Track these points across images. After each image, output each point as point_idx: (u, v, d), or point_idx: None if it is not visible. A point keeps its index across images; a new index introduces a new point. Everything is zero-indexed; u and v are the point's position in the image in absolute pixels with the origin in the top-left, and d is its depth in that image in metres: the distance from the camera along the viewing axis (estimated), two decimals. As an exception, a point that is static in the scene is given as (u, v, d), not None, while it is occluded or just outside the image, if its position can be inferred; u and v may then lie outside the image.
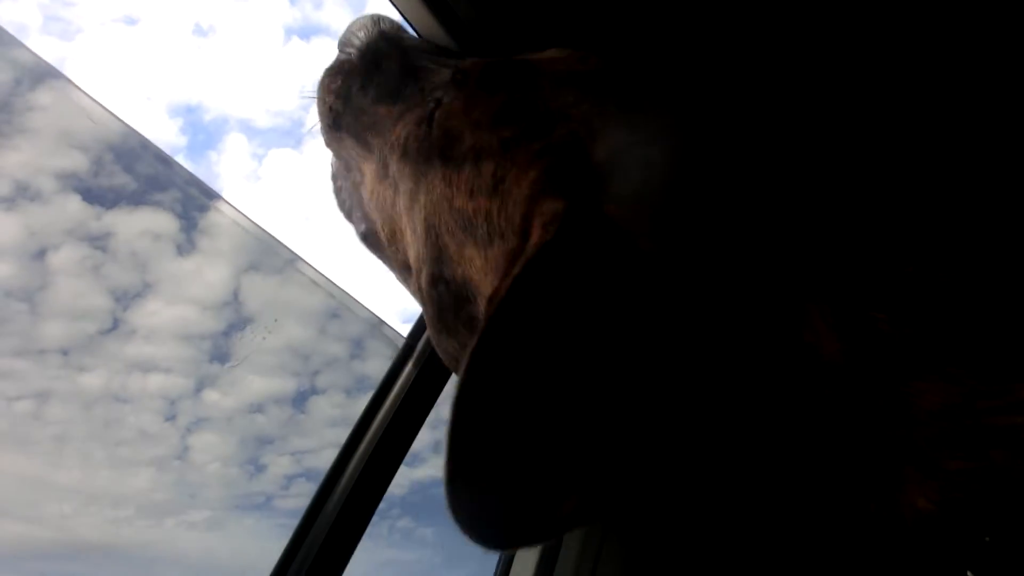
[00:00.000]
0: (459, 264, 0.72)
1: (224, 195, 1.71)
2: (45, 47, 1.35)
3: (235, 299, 1.90)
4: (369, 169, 0.92)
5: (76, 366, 1.55)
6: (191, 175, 1.74)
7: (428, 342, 1.56)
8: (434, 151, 0.78)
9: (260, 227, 1.73)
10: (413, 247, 0.79)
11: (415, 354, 1.59)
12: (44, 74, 1.35)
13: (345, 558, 1.41)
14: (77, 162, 1.45)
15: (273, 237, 1.77)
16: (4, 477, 1.38)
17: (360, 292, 1.97)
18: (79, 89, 1.38)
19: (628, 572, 2.02)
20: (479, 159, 0.72)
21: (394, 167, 0.83)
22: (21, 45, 1.37)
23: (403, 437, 1.53)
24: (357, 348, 2.20)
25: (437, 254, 0.74)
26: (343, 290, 1.99)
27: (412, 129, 0.82)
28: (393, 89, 0.91)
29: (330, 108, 0.99)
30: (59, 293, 1.48)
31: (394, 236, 0.85)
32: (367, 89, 0.94)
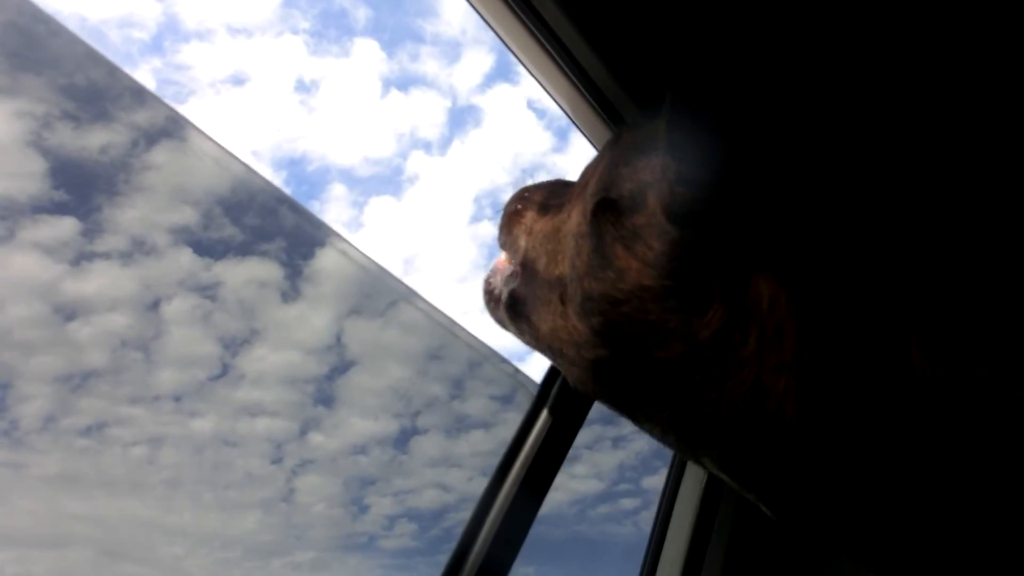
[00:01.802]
0: None
1: (331, 238, 1.75)
2: (159, 111, 1.42)
3: (338, 343, 1.94)
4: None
5: (187, 412, 1.60)
6: (307, 211, 1.79)
7: (561, 388, 1.54)
8: None
9: (368, 259, 1.75)
10: None
11: (550, 400, 1.56)
12: (159, 133, 1.42)
13: None
14: (188, 216, 1.51)
15: (382, 269, 1.80)
16: (120, 520, 1.43)
17: (462, 330, 1.98)
18: (207, 137, 1.43)
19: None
20: None
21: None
22: (155, 98, 1.45)
23: (541, 485, 1.50)
24: (457, 388, 2.21)
25: None
26: (447, 327, 2.00)
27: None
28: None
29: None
30: (172, 342, 1.54)
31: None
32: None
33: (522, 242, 0.99)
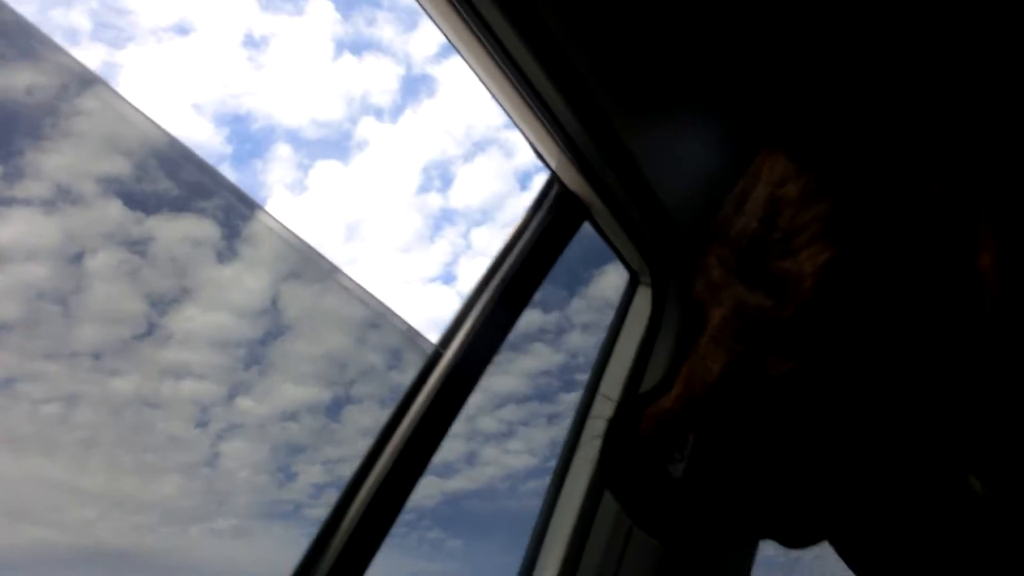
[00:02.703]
0: None
1: (268, 204, 1.69)
2: (95, 53, 1.34)
3: (273, 307, 1.89)
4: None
5: (107, 370, 1.54)
6: (233, 185, 1.73)
7: (458, 350, 1.53)
8: None
9: (300, 238, 1.72)
10: None
11: (443, 362, 1.55)
12: (92, 79, 1.34)
13: (363, 567, 1.38)
14: (120, 167, 1.44)
15: (314, 245, 1.76)
16: (28, 481, 1.38)
17: (398, 304, 1.94)
18: (124, 100, 1.37)
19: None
20: None
21: None
22: (67, 55, 1.37)
23: (427, 446, 1.50)
24: (394, 359, 2.18)
25: None
26: (381, 301, 1.97)
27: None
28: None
29: None
30: (94, 296, 1.47)
31: None
32: None
33: None
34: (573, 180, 1.69)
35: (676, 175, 1.77)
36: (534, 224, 1.70)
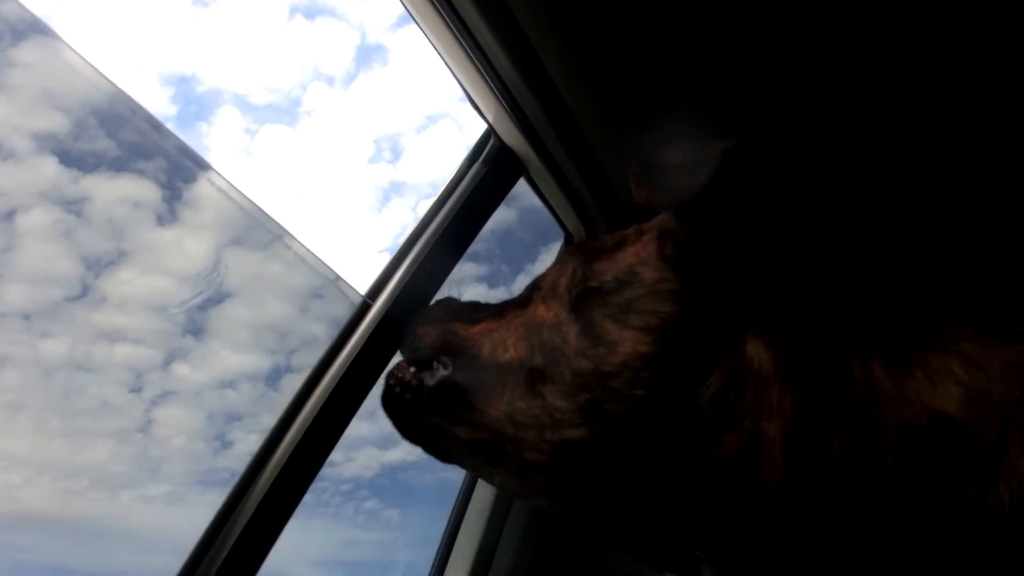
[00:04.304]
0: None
1: (213, 167, 1.64)
2: (32, 2, 1.28)
3: (215, 272, 1.85)
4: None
5: (38, 332, 1.50)
6: (181, 142, 1.68)
7: (387, 301, 1.49)
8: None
9: (249, 198, 1.67)
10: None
11: (372, 313, 1.50)
12: (29, 29, 1.29)
13: (274, 533, 1.32)
14: (57, 123, 1.39)
15: (261, 210, 1.72)
16: (-50, 444, 1.34)
17: (347, 272, 1.92)
18: (68, 46, 1.31)
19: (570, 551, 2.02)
20: None
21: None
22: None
23: (354, 397, 1.43)
24: (337, 328, 2.16)
25: None
26: (330, 268, 1.94)
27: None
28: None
29: None
30: (26, 256, 1.43)
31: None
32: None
33: (446, 341, 1.04)
34: (510, 134, 1.65)
35: (617, 135, 1.74)
36: (468, 177, 1.66)
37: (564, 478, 0.86)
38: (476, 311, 1.08)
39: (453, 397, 0.96)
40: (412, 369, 1.04)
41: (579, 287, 0.90)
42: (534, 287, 1.01)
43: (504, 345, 0.94)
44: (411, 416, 1.04)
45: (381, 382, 1.48)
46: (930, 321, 0.79)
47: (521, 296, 1.04)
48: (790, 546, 0.73)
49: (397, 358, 1.23)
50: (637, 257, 0.88)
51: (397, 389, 1.03)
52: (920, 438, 0.70)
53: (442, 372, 0.99)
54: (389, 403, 1.06)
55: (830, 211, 0.92)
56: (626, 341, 0.81)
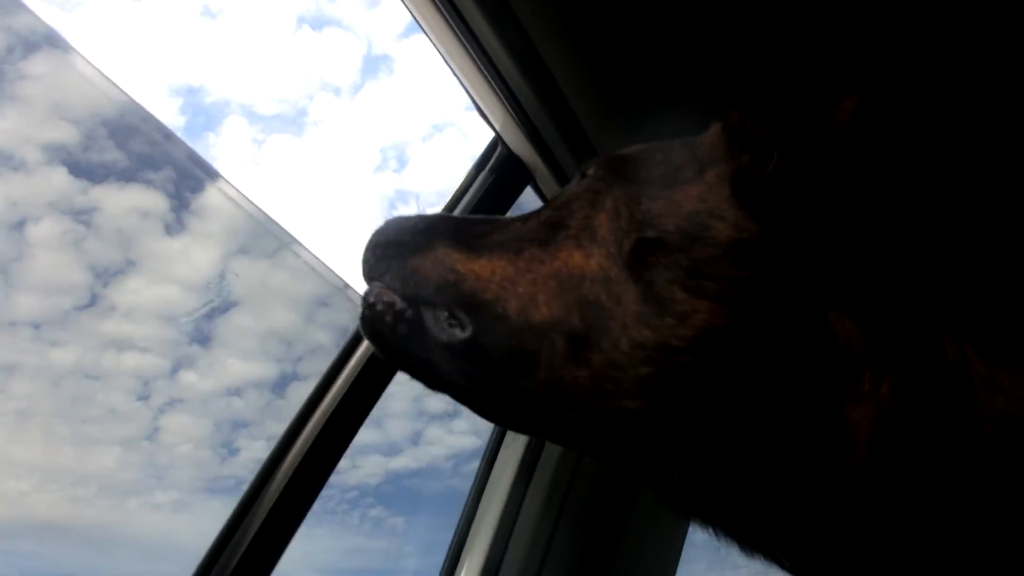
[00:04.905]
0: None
1: (223, 175, 1.66)
2: (44, 18, 1.30)
3: (223, 281, 1.87)
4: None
5: (47, 340, 1.51)
6: (191, 151, 1.69)
7: None
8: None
9: (256, 206, 1.69)
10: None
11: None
12: (41, 41, 1.31)
13: (285, 540, 1.33)
14: (67, 134, 1.41)
15: (270, 218, 1.73)
16: (-40, 452, 1.35)
17: (354, 280, 1.93)
18: (80, 56, 1.33)
19: (581, 559, 2.02)
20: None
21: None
22: (25, 8, 1.33)
23: (357, 410, 1.42)
24: (343, 336, 2.17)
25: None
26: (338, 276, 1.95)
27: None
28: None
29: None
30: (36, 265, 1.44)
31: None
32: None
33: (441, 278, 0.89)
34: (517, 143, 1.66)
35: (625, 143, 1.74)
36: (476, 185, 1.65)
37: (610, 440, 0.77)
38: (467, 233, 0.92)
39: (477, 361, 0.83)
40: (402, 300, 0.89)
41: (632, 236, 0.76)
42: (558, 223, 0.86)
43: (535, 302, 0.80)
44: (402, 345, 0.89)
45: (389, 389, 1.51)
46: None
47: (537, 227, 0.88)
48: (864, 541, 0.66)
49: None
50: (704, 203, 0.75)
51: (388, 318, 0.88)
52: (1018, 430, 0.63)
53: (460, 334, 0.84)
54: (373, 328, 0.90)
55: (945, 182, 0.79)
56: (699, 313, 0.70)
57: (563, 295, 0.78)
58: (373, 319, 0.89)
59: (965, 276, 0.74)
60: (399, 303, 0.88)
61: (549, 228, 0.85)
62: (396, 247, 0.93)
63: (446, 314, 0.86)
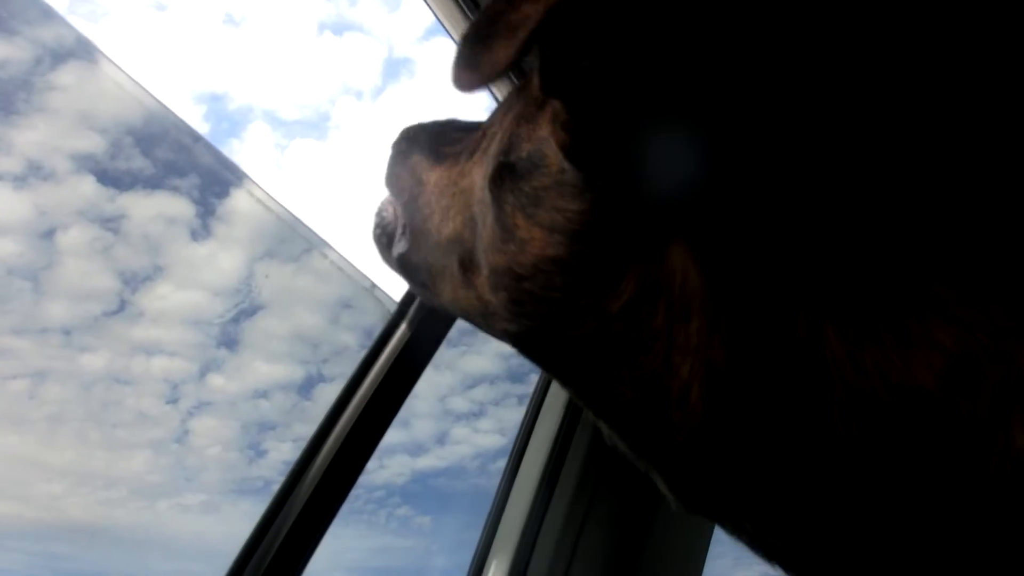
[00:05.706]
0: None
1: (248, 179, 1.67)
2: (70, 29, 1.32)
3: (252, 283, 1.89)
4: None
5: (77, 346, 1.54)
6: (219, 153, 1.71)
7: (420, 307, 1.49)
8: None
9: (285, 209, 1.70)
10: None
11: (407, 319, 1.51)
12: (67, 54, 1.33)
13: (315, 541, 1.35)
14: (95, 144, 1.43)
15: (298, 219, 1.75)
16: (-5, 456, 1.38)
17: (381, 281, 1.94)
18: (111, 62, 1.35)
19: (609, 556, 2.01)
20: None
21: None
22: (60, 18, 1.35)
23: (385, 410, 1.45)
24: (367, 338, 2.19)
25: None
26: (366, 276, 1.96)
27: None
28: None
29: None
30: (65, 273, 1.47)
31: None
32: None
33: (409, 188, 0.90)
34: None
35: None
36: None
37: (526, 354, 0.76)
38: (443, 139, 0.91)
39: (414, 277, 0.88)
40: (391, 218, 0.94)
41: (499, 159, 0.73)
42: (485, 132, 0.82)
43: (447, 215, 0.81)
44: (387, 256, 0.95)
45: (415, 389, 1.52)
46: (917, 279, 0.56)
47: (480, 137, 0.84)
48: (712, 494, 0.63)
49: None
50: (548, 132, 0.69)
51: (377, 230, 0.95)
52: (879, 412, 0.54)
53: (401, 246, 0.89)
54: (375, 240, 0.98)
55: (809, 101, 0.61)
56: (535, 241, 0.68)
57: (463, 211, 0.78)
58: (374, 230, 0.96)
59: (845, 240, 0.56)
60: (388, 213, 0.94)
61: (481, 138, 0.82)
62: (397, 156, 0.97)
63: (403, 224, 0.89)
